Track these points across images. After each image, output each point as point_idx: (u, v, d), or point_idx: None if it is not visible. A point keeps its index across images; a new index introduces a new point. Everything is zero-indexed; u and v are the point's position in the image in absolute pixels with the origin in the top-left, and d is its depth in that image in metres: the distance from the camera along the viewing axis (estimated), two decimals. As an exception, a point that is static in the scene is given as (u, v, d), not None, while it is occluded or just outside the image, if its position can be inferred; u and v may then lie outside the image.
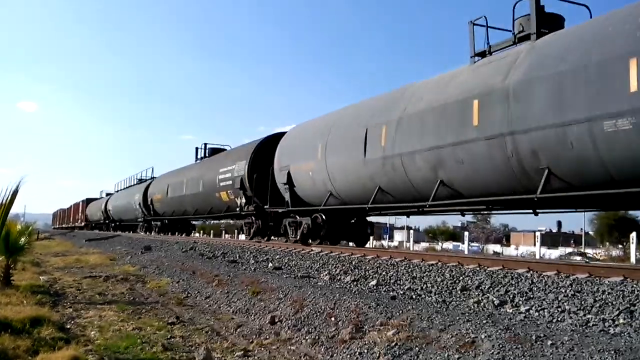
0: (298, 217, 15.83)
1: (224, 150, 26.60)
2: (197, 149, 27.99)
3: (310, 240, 15.39)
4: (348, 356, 5.35)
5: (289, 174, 15.60)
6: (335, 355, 5.52)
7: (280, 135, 18.50)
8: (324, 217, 14.80)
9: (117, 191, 47.82)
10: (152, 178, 36.62)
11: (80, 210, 65.47)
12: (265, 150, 18.53)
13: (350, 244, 16.35)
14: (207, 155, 27.00)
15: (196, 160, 28.06)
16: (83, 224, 62.24)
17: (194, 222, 37.65)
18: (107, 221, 48.25)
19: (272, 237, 19.05)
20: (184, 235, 30.69)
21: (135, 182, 41.30)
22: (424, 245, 54.43)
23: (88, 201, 61.94)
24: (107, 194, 54.07)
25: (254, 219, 19.14)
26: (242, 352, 5.85)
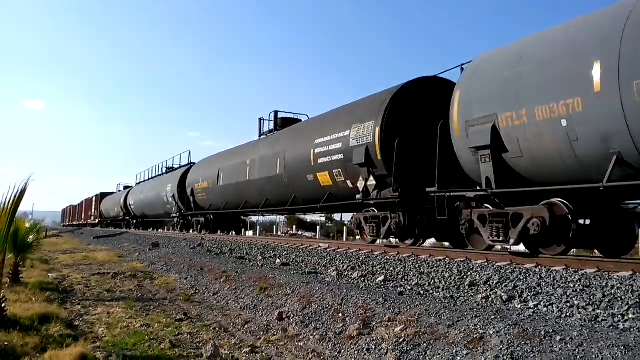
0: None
1: (298, 120, 19.98)
2: (261, 120, 20.73)
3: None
4: (356, 352, 5.33)
5: (494, 130, 8.60)
6: (343, 351, 5.51)
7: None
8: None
9: (140, 183, 42.21)
10: (190, 164, 29.66)
11: (93, 206, 60.96)
12: (410, 102, 11.90)
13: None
14: (278, 128, 19.85)
15: (260, 136, 20.72)
16: (97, 220, 57.86)
17: (255, 217, 29.94)
18: (127, 217, 43.41)
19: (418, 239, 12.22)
20: (234, 233, 24.84)
21: (163, 172, 35.62)
22: (431, 241, 54.24)
23: (102, 196, 56.86)
24: (126, 187, 49.97)
25: (389, 211, 11.68)
26: (250, 348, 5.85)
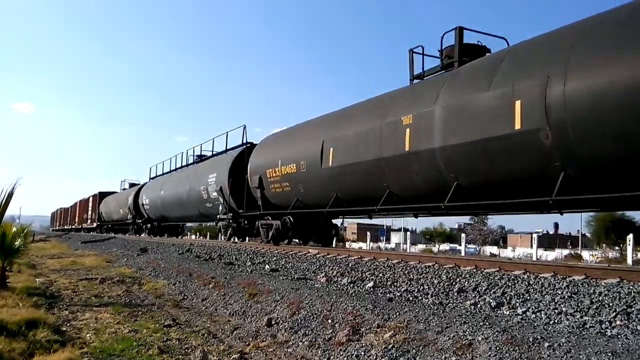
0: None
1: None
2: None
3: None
4: (345, 358, 5.34)
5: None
6: (332, 357, 5.50)
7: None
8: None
9: (156, 177, 34.93)
10: (247, 144, 20.57)
11: (90, 208, 53.64)
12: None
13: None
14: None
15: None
16: (95, 224, 50.62)
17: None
18: (137, 220, 36.08)
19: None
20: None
21: (192, 161, 28.14)
22: (420, 247, 54.45)
23: (102, 196, 49.78)
24: (132, 185, 42.58)
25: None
26: (239, 354, 5.84)
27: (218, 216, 21.43)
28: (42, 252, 22.82)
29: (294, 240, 17.38)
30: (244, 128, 21.47)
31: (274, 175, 16.38)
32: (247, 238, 21.86)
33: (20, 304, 7.90)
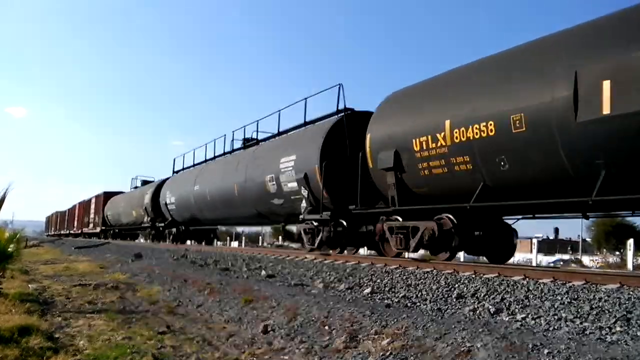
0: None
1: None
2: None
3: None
4: (342, 366, 5.27)
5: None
6: (329, 364, 5.44)
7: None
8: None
9: (182, 170, 28.22)
10: (347, 111, 14.29)
11: (92, 211, 46.82)
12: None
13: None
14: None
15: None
16: (99, 229, 43.54)
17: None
18: (159, 223, 29.01)
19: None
20: None
21: (236, 146, 21.36)
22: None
23: (108, 196, 42.88)
24: (144, 182, 36.38)
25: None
26: (234, 361, 5.77)
27: (301, 216, 14.45)
28: (36, 257, 22.67)
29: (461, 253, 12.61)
30: (339, 88, 14.14)
31: (432, 146, 9.86)
32: (357, 249, 15.07)
33: (13, 310, 7.81)
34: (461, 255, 33.01)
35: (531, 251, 32.12)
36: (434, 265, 9.48)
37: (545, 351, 4.29)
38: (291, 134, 16.88)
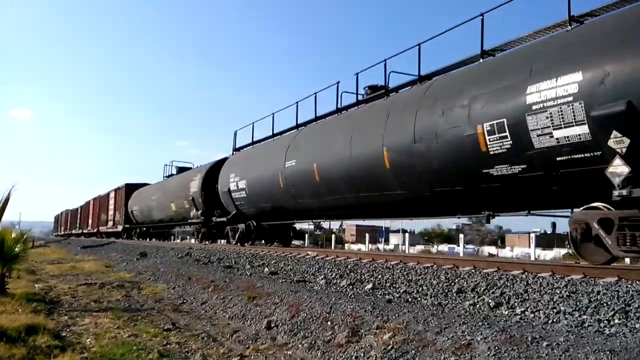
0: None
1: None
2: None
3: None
4: (344, 360, 5.34)
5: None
6: (331, 359, 5.51)
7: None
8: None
9: (250, 145, 20.92)
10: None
11: (111, 206, 40.72)
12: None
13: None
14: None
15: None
16: (120, 227, 37.37)
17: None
18: (219, 218, 21.49)
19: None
20: None
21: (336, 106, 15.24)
22: (419, 248, 54.48)
23: (131, 189, 36.32)
24: (182, 169, 29.88)
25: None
26: (239, 357, 5.85)
27: None
28: (42, 257, 22.79)
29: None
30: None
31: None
32: None
33: (20, 309, 7.90)
34: (461, 250, 33.05)
35: (529, 246, 32.13)
36: (434, 260, 9.55)
37: (545, 344, 4.35)
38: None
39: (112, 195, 40.89)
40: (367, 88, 14.51)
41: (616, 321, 5.04)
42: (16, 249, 9.72)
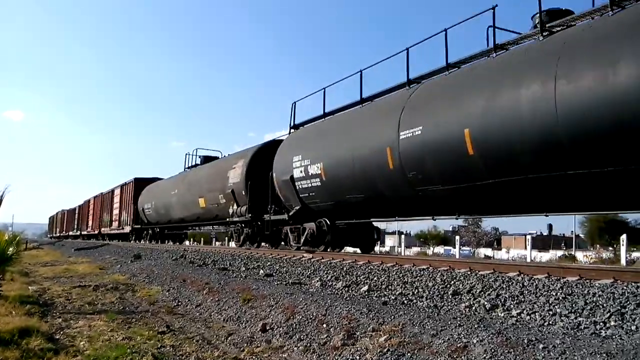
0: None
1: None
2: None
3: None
4: (340, 363, 5.32)
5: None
6: (327, 362, 5.49)
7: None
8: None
9: (331, 114, 15.21)
10: None
11: (117, 205, 36.33)
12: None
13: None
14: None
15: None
16: (127, 229, 33.46)
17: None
18: (274, 216, 16.53)
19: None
20: None
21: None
22: (415, 249, 54.49)
23: (141, 184, 32.04)
24: (206, 158, 25.70)
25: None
26: (234, 360, 5.82)
27: None
28: (35, 259, 22.71)
29: None
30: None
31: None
32: None
33: (13, 312, 7.85)
34: (457, 252, 33.09)
35: (525, 247, 32.21)
36: (430, 262, 9.55)
37: (541, 346, 4.34)
38: None
39: (117, 192, 36.52)
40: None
41: (612, 323, 5.04)
42: (9, 251, 9.66)
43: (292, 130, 16.97)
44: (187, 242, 32.45)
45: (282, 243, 17.51)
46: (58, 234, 67.69)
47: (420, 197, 10.81)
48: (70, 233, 57.28)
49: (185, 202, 24.23)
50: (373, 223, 15.12)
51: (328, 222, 14.23)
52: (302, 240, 15.09)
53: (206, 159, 25.58)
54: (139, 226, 31.77)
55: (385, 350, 5.10)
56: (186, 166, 27.20)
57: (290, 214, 15.29)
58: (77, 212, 54.95)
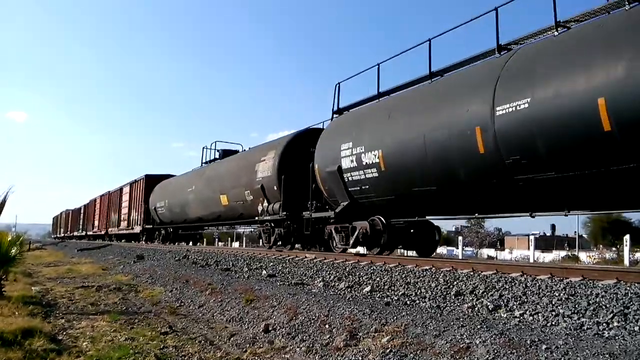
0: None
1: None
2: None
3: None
4: (342, 364, 5.32)
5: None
6: (329, 362, 5.48)
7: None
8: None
9: (387, 94, 12.85)
10: None
11: (125, 204, 34.71)
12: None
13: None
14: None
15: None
16: (138, 229, 31.71)
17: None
18: (316, 214, 14.42)
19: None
20: None
21: None
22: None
23: (152, 181, 30.33)
24: (225, 152, 23.44)
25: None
26: (236, 361, 5.82)
27: None
28: (38, 260, 22.76)
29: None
30: None
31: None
32: None
33: (16, 312, 7.87)
34: (459, 252, 33.04)
35: (528, 248, 32.15)
36: (433, 263, 9.53)
37: (544, 347, 4.33)
38: None
39: (126, 190, 34.63)
40: None
41: (615, 324, 5.03)
42: (12, 252, 9.68)
43: (336, 116, 14.67)
44: (236, 244, 30.07)
45: (317, 244, 16.19)
46: (62, 235, 66.56)
47: (519, 188, 8.64)
48: (75, 233, 56.10)
49: (203, 199, 22.35)
50: (434, 222, 13.19)
51: (384, 220, 12.16)
52: (351, 242, 12.90)
53: (225, 153, 23.52)
54: (151, 226, 29.97)
55: (388, 351, 5.09)
56: (203, 161, 25.01)
57: (337, 210, 13.05)
58: (82, 211, 53.32)
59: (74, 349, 6.16)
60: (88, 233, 48.19)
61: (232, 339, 6.95)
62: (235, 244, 46.10)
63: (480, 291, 6.90)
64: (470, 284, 7.34)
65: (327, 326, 6.23)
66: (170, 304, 9.62)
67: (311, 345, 6.00)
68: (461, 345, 4.72)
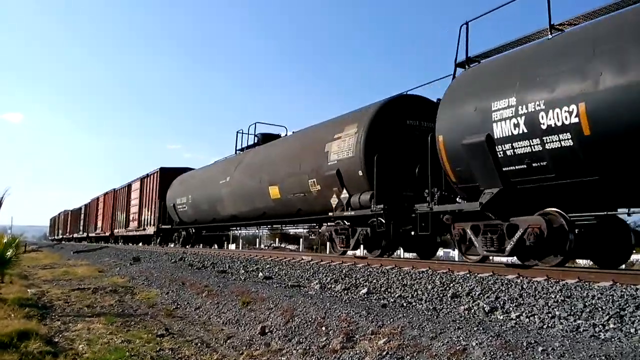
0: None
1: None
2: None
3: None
4: (339, 366, 5.31)
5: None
6: (326, 365, 5.48)
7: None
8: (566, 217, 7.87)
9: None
10: None
11: (134, 202, 31.09)
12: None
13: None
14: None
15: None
16: (151, 230, 27.78)
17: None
18: (454, 201, 9.72)
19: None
20: None
21: None
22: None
23: (169, 175, 26.39)
24: (265, 136, 19.86)
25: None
26: (233, 363, 5.81)
27: None
28: (34, 262, 22.71)
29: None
30: None
31: None
32: None
33: (12, 315, 7.85)
34: (455, 254, 33.00)
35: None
36: (429, 265, 9.53)
37: (540, 349, 4.34)
38: None
39: (135, 186, 30.81)
40: None
41: (611, 326, 5.04)
42: (8, 254, 9.67)
43: (460, 70, 9.98)
44: (232, 246, 26.34)
45: (425, 249, 12.61)
46: (61, 236, 63.69)
47: None
48: (75, 235, 52.85)
49: (244, 193, 18.19)
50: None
51: (566, 216, 7.87)
52: (508, 247, 8.46)
53: (266, 138, 19.71)
54: (169, 226, 25.62)
55: (385, 353, 5.09)
56: (238, 148, 20.94)
57: (484, 201, 8.56)
58: (83, 211, 49.83)
59: (70, 352, 6.15)
60: (90, 235, 45.03)
61: (228, 341, 6.94)
62: (232, 246, 45.86)
63: (477, 293, 6.91)
64: (466, 285, 7.34)
65: (323, 328, 6.23)
66: (167, 306, 9.61)
67: (308, 347, 6.00)
68: (458, 347, 4.72)
